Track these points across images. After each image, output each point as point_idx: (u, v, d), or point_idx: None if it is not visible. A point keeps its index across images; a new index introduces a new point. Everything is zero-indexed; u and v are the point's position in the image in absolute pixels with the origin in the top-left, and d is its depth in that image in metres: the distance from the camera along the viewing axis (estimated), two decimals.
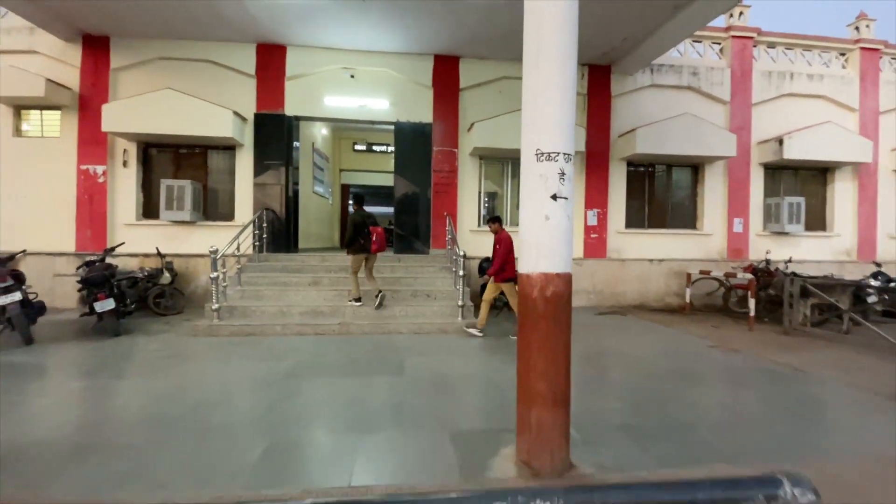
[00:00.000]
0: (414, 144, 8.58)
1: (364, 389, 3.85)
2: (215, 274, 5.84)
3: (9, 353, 4.77)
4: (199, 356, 4.84)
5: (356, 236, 6.29)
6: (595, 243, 9.04)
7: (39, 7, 6.84)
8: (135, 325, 6.30)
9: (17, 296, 4.96)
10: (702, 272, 8.34)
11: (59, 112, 7.92)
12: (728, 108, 9.62)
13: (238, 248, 6.82)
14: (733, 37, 9.65)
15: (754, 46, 9.80)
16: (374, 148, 14.37)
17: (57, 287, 7.63)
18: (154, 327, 6.27)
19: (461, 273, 6.31)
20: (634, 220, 9.43)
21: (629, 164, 9.33)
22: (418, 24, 7.42)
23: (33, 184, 7.82)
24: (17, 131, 7.96)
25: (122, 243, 7.46)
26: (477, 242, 8.63)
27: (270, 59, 8.19)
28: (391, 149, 14.32)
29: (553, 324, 2.50)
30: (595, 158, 9.01)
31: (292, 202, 8.42)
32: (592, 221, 9.06)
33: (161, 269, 7.39)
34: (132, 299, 6.66)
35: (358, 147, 14.30)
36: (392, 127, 8.85)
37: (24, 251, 6.60)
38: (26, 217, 7.80)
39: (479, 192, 8.96)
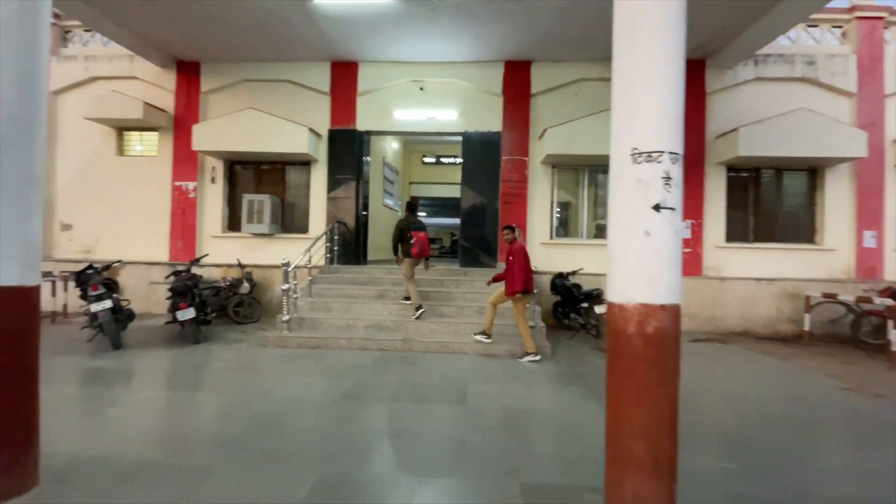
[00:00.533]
0: (482, 154, 8.26)
1: (424, 420, 3.52)
2: (287, 286, 5.92)
3: (96, 358, 5.15)
4: (266, 370, 4.85)
5: (398, 241, 6.36)
6: (689, 259, 8.00)
7: (139, 37, 7.60)
8: (214, 333, 6.60)
9: (108, 303, 5.36)
10: (825, 295, 6.99)
11: (156, 133, 8.75)
12: (854, 101, 8.10)
13: (310, 260, 6.93)
14: (859, 18, 8.16)
15: (885, 28, 8.21)
16: (443, 160, 14.33)
17: (152, 294, 8.32)
18: (230, 336, 6.51)
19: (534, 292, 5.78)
20: (736, 232, 8.23)
21: (729, 168, 8.19)
22: (488, 30, 7.13)
23: (134, 199, 8.67)
24: (120, 151, 8.90)
25: (206, 255, 7.96)
26: (549, 256, 8.04)
27: (343, 76, 8.38)
28: (459, 160, 14.25)
29: (655, 369, 1.97)
30: (688, 163, 7.91)
31: (363, 215, 8.48)
32: (685, 234, 8.02)
33: (241, 280, 7.75)
34: (213, 308, 7.01)
35: (427, 160, 14.36)
36: (460, 138, 8.63)
37: (119, 261, 7.27)
38: (127, 229, 8.65)
39: (552, 203, 8.37)
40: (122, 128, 8.81)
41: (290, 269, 5.99)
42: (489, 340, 5.68)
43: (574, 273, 7.30)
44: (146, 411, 3.62)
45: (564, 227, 8.59)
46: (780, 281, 7.91)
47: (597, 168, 8.41)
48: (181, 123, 8.57)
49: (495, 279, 5.87)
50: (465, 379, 4.59)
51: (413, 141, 13.81)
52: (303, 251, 6.95)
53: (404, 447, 3.04)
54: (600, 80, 8.17)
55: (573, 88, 8.24)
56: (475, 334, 5.76)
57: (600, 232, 8.48)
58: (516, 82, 8.20)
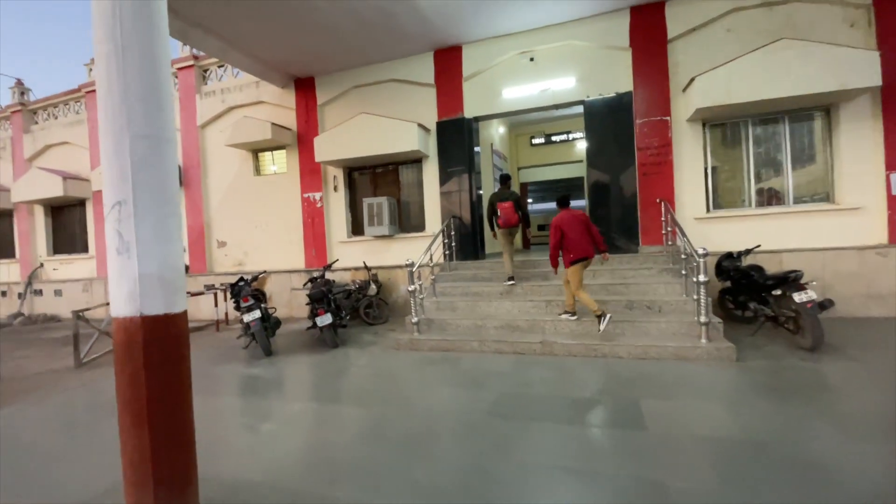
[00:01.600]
0: (610, 122, 7.14)
1: (597, 452, 2.84)
2: (413, 287, 5.70)
3: (251, 365, 5.47)
4: (402, 377, 4.63)
5: (491, 215, 6.65)
6: None
7: (260, 61, 8.10)
8: (349, 336, 6.73)
9: (257, 313, 5.70)
10: None
11: (284, 151, 9.37)
12: None
13: (431, 259, 6.67)
14: None
15: None
16: (553, 139, 13.18)
17: (293, 300, 8.96)
18: (364, 338, 6.56)
19: (702, 278, 4.65)
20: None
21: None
22: None
23: (271, 213, 9.42)
24: (257, 171, 9.73)
25: (337, 260, 8.26)
26: (707, 233, 6.64)
27: (447, 63, 7.97)
28: (573, 136, 12.97)
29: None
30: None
31: (476, 208, 8.01)
32: None
33: (368, 282, 7.87)
34: (347, 311, 7.19)
35: (535, 141, 13.35)
36: (580, 108, 7.61)
37: (265, 272, 7.90)
38: (268, 242, 9.44)
39: (706, 168, 6.89)
40: (256, 150, 9.64)
41: (414, 269, 5.75)
42: (574, 318, 5.43)
43: (749, 252, 5.85)
44: (297, 428, 3.56)
45: (723, 196, 7.03)
46: None
47: (762, 118, 6.69)
48: (303, 138, 9.04)
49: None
50: (629, 392, 3.77)
51: (519, 123, 12.94)
52: (421, 249, 6.71)
53: (583, 492, 2.40)
54: (762, 5, 6.46)
55: (724, 23, 6.64)
56: (559, 313, 5.59)
57: (762, 197, 6.77)
58: (647, 29, 6.89)
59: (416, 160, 8.45)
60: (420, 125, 7.80)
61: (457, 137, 7.91)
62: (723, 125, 6.90)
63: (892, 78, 5.64)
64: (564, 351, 4.99)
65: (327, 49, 7.78)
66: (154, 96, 2.08)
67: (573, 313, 5.45)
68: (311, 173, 9.00)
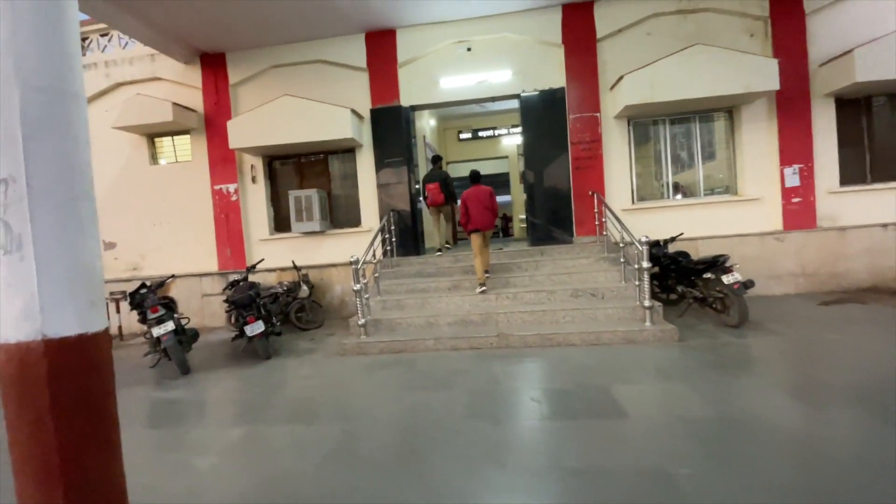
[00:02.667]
0: (545, 116, 7.28)
1: (594, 444, 2.74)
2: (358, 286, 5.23)
3: (166, 387, 4.61)
4: (358, 385, 4.19)
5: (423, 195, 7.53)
6: (799, 210, 6.89)
7: (159, 30, 6.90)
8: (281, 343, 6.02)
9: (170, 325, 4.82)
10: None
11: (188, 136, 8.16)
12: None
13: (374, 255, 6.22)
14: None
15: None
16: (480, 134, 13.32)
17: (206, 307, 7.86)
18: (300, 345, 5.92)
19: (645, 265, 4.89)
20: (851, 174, 7.02)
21: (838, 100, 6.94)
22: None
23: (174, 209, 8.16)
24: (154, 159, 8.37)
25: (262, 260, 7.39)
26: (631, 224, 6.98)
27: (381, 47, 7.51)
28: (499, 132, 13.22)
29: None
30: (790, 98, 6.83)
31: (417, 201, 7.69)
32: (792, 182, 6.91)
33: (299, 283, 7.15)
34: (277, 316, 6.45)
35: (463, 136, 13.37)
36: (516, 102, 7.67)
37: (172, 276, 6.72)
38: (172, 241, 8.17)
39: (631, 163, 7.35)
40: (152, 134, 8.26)
41: (359, 266, 5.29)
42: (483, 289, 5.84)
43: (673, 240, 6.33)
44: (246, 459, 2.98)
45: (645, 189, 7.58)
46: None
47: (676, 118, 7.32)
48: (213, 122, 7.93)
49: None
50: (596, 380, 3.79)
51: (448, 117, 12.87)
52: (357, 245, 6.26)
53: (604, 492, 2.27)
54: (677, 13, 7.03)
55: (645, 27, 7.11)
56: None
57: (676, 190, 7.45)
58: (578, 27, 7.13)
59: (348, 149, 7.87)
60: (353, 111, 7.25)
61: (394, 126, 7.50)
62: (644, 123, 7.42)
63: (786, 84, 6.47)
64: (521, 342, 4.93)
65: (242, 21, 6.86)
66: (55, 33, 1.48)
67: (482, 284, 5.86)
68: (223, 162, 7.93)
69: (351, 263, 5.26)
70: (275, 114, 7.22)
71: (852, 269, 6.79)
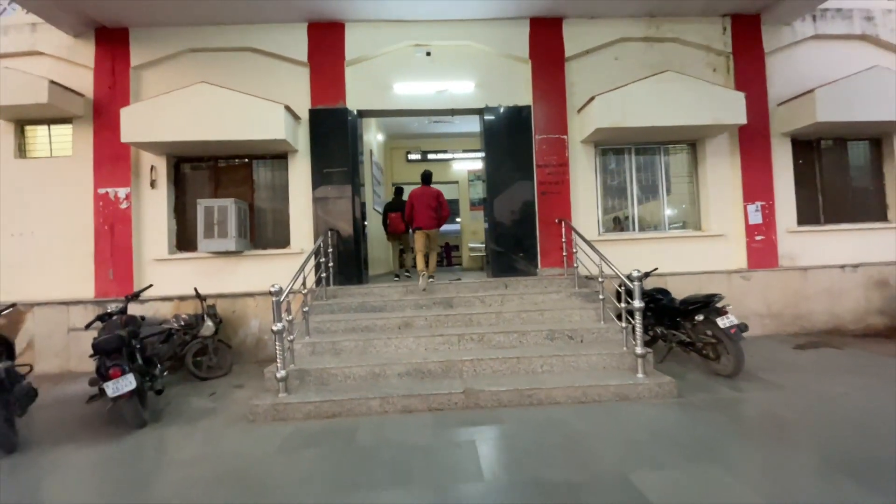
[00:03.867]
0: (509, 135, 6.58)
1: None
2: (279, 325, 3.90)
3: None
4: (269, 477, 2.85)
5: (385, 224, 8.02)
6: (762, 248, 6.68)
7: None
8: (168, 401, 4.44)
9: None
10: None
11: (69, 125, 6.42)
12: None
13: (304, 284, 4.89)
14: None
15: None
16: (430, 157, 12.53)
17: (73, 345, 5.95)
18: (194, 404, 4.38)
19: (636, 304, 4.12)
20: (807, 214, 7.02)
21: (794, 140, 6.99)
22: None
23: (40, 215, 6.28)
24: (21, 152, 6.49)
25: (150, 286, 5.73)
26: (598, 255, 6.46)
27: (326, 40, 6.45)
28: (452, 155, 12.52)
29: None
30: (751, 135, 6.74)
31: (360, 220, 6.52)
32: (755, 219, 6.72)
33: (201, 316, 5.57)
34: (164, 363, 4.85)
35: (412, 156, 12.50)
36: (476, 120, 6.95)
37: (13, 305, 4.76)
38: (37, 258, 6.24)
39: (597, 192, 6.81)
40: (21, 120, 6.42)
41: (281, 299, 3.99)
42: (432, 280, 6.07)
43: (648, 275, 5.71)
44: None
45: (609, 220, 7.07)
46: (864, 266, 6.75)
47: (642, 148, 6.98)
48: (104, 110, 6.30)
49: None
50: (606, 461, 2.82)
51: (396, 135, 11.97)
52: (283, 271, 4.99)
53: None
54: (644, 40, 6.78)
55: (613, 51, 6.77)
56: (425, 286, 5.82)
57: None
58: (546, 44, 6.61)
59: (279, 155, 6.58)
60: (288, 109, 6.04)
61: (337, 131, 6.38)
62: (610, 150, 6.98)
63: (748, 120, 6.31)
64: (493, 400, 3.87)
65: None
66: None
67: (431, 276, 6.15)
68: (113, 160, 6.27)
69: (272, 294, 3.95)
70: (187, 103, 5.80)
71: (814, 310, 6.63)
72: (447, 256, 23.93)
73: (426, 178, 6.46)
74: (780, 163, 6.88)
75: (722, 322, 4.33)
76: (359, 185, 6.50)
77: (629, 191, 7.00)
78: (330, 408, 3.80)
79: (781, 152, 6.91)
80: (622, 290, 4.69)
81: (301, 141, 6.45)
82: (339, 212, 6.34)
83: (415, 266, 6.72)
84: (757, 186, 6.74)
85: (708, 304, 4.52)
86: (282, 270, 5.73)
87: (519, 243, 6.50)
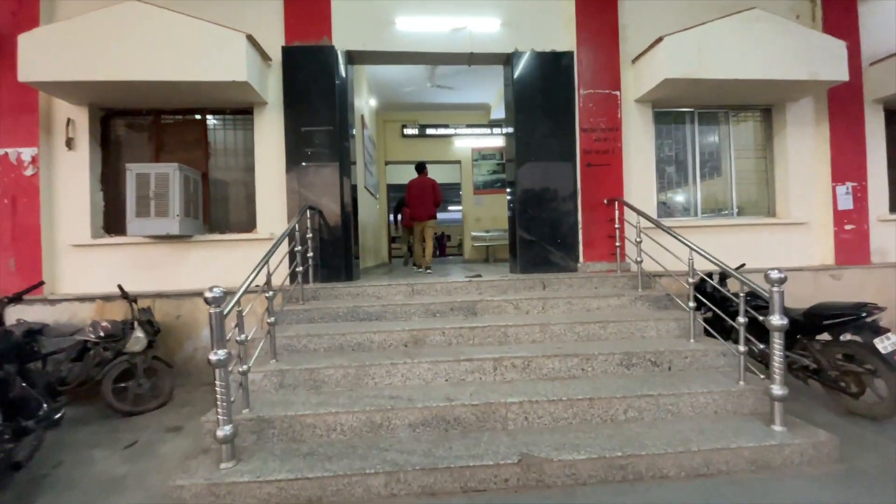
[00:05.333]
0: (544, 89, 5.10)
1: None
2: (221, 354, 2.38)
3: None
4: None
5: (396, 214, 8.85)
6: (852, 240, 5.39)
7: None
8: (58, 459, 2.91)
9: None
10: None
11: None
12: None
13: (268, 282, 3.36)
14: None
15: None
16: (429, 131, 10.94)
17: None
18: (95, 469, 2.85)
19: (776, 320, 2.73)
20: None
21: (888, 108, 5.66)
22: None
23: None
24: None
25: (40, 284, 4.13)
26: (651, 248, 5.03)
27: None
28: (454, 130, 10.96)
29: None
30: (843, 99, 5.39)
31: (350, 196, 4.98)
32: (845, 204, 5.41)
33: (130, 324, 4.01)
34: (64, 395, 3.30)
35: (408, 131, 10.88)
36: (499, 68, 5.46)
37: None
38: None
39: (654, 165, 5.39)
40: None
41: (228, 308, 2.47)
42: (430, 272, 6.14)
43: (723, 275, 4.32)
44: None
45: (668, 200, 5.69)
46: None
47: (707, 112, 5.59)
48: (4, 42, 4.59)
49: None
50: None
51: (390, 104, 10.37)
52: (249, 262, 3.36)
53: None
54: None
55: None
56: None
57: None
58: None
59: (243, 109, 4.98)
60: (251, 40, 4.43)
61: (320, 77, 4.80)
62: (669, 114, 5.56)
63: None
64: (567, 475, 2.44)
65: None
66: None
67: (428, 268, 6.29)
68: (13, 110, 4.59)
69: (209, 304, 2.42)
70: (112, 29, 4.16)
71: None
72: (440, 247, 22.39)
73: (421, 168, 6.82)
74: (872, 136, 5.55)
75: (882, 345, 2.98)
76: (348, 149, 4.94)
77: (690, 166, 5.60)
78: (303, 492, 2.31)
79: (873, 122, 5.58)
80: (709, 294, 3.32)
81: (272, 90, 4.86)
82: (323, 185, 4.78)
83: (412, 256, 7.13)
84: (848, 164, 5.41)
85: (857, 318, 3.14)
86: (245, 262, 4.12)
87: (555, 230, 5.06)
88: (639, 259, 4.38)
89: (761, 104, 5.58)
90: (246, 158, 5.07)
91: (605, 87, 5.12)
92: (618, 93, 5.13)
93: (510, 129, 5.26)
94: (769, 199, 5.73)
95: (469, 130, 10.93)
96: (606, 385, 3.04)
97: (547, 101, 5.08)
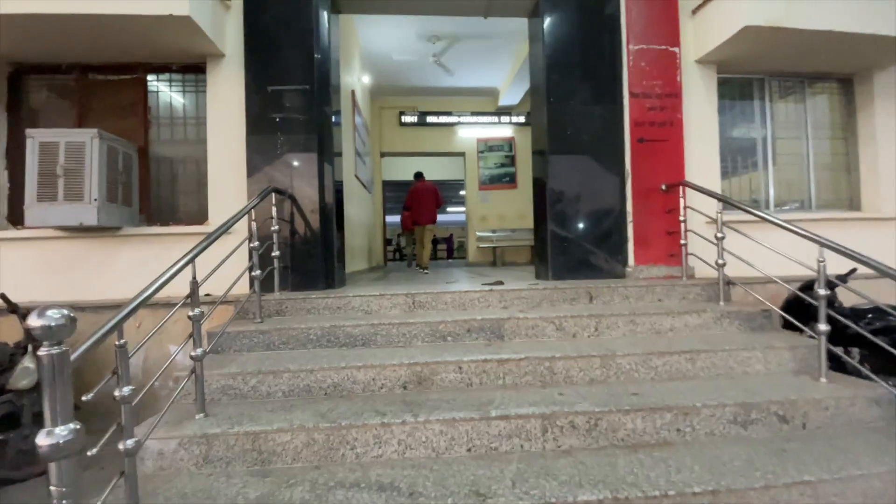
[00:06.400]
0: (583, 43, 3.99)
1: None
2: (59, 435, 1.23)
3: None
4: None
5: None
6: None
7: None
8: None
9: None
10: None
11: None
12: None
13: (194, 293, 2.19)
14: None
15: None
16: (430, 119, 9.84)
17: None
18: None
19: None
20: None
21: None
22: None
23: None
24: None
25: None
26: (712, 248, 3.91)
27: None
28: (463, 118, 9.86)
29: None
30: None
31: (332, 181, 3.82)
32: None
33: (23, 349, 2.85)
34: None
35: (406, 118, 9.78)
36: (523, 21, 4.35)
37: None
38: None
39: (719, 142, 4.29)
40: None
41: (63, 354, 1.33)
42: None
43: (844, 279, 3.21)
44: None
45: (731, 188, 4.58)
46: None
47: (782, 80, 4.50)
48: None
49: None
50: None
51: (386, 87, 9.24)
52: (200, 266, 2.23)
53: None
54: None
55: None
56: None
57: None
58: None
59: (194, 65, 3.83)
60: None
61: (293, 22, 3.66)
62: (731, 83, 4.47)
63: None
64: None
65: None
66: None
67: (425, 268, 6.73)
68: None
69: (36, 338, 1.31)
70: None
71: None
72: (448, 249, 21.26)
73: (419, 175, 7.16)
74: None
75: None
76: (329, 117, 3.79)
77: (760, 148, 4.50)
78: None
79: None
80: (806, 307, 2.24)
81: (231, 39, 3.72)
82: (297, 162, 3.64)
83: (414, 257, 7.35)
84: None
85: None
86: (196, 264, 3.01)
87: (597, 224, 3.93)
88: (720, 261, 3.25)
89: (842, 73, 4.50)
90: (200, 130, 3.92)
91: (660, 41, 4.01)
92: (676, 49, 4.02)
93: (539, 95, 4.13)
94: (851, 189, 4.64)
95: (475, 119, 9.91)
96: (722, 459, 1.91)
97: (586, 59, 3.97)
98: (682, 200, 3.69)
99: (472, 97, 9.77)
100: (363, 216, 7.67)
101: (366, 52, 7.45)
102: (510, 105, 9.59)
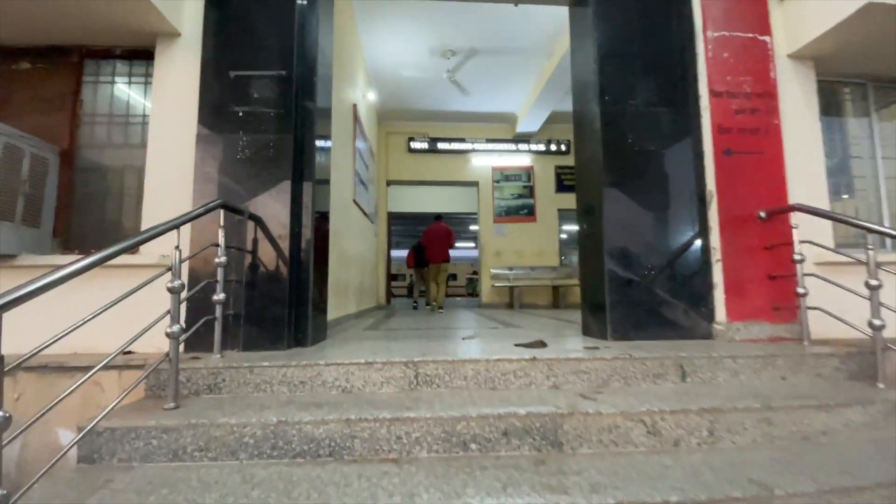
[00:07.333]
0: (645, 29, 3.08)
1: None
2: None
3: None
4: None
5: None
6: None
7: None
8: None
9: None
10: None
11: None
12: None
13: None
14: None
15: None
16: (441, 146, 9.05)
17: None
18: None
19: None
20: None
21: None
22: None
23: None
24: None
25: None
26: (821, 296, 2.74)
27: None
28: (477, 145, 9.07)
29: None
30: None
31: (312, 198, 2.82)
32: None
33: None
34: None
35: (416, 145, 9.01)
36: (565, 8, 3.50)
37: None
38: None
39: (823, 153, 3.28)
40: None
41: None
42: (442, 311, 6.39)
43: None
44: None
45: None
46: None
47: (886, 85, 3.54)
48: None
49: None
50: None
51: (394, 112, 8.52)
52: (129, 310, 1.28)
53: None
54: None
55: None
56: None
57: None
58: None
59: (142, 49, 2.97)
60: None
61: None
62: (829, 84, 3.51)
63: None
64: None
65: None
66: None
67: (440, 308, 6.62)
68: None
69: None
70: None
71: None
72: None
73: (438, 216, 7.10)
74: None
75: None
76: (311, 114, 2.85)
77: (868, 166, 3.49)
78: None
79: None
80: None
81: (189, 16, 2.86)
82: (260, 171, 2.67)
83: (422, 295, 7.83)
84: None
85: None
86: (124, 304, 1.94)
87: (671, 264, 2.87)
88: (877, 322, 2.15)
89: None
90: (147, 132, 3.01)
91: (746, 28, 3.10)
92: (767, 38, 3.10)
93: (587, 95, 3.18)
94: None
95: (490, 146, 9.11)
96: None
97: (648, 50, 3.05)
98: (794, 232, 2.64)
99: (487, 123, 9.02)
100: (363, 249, 6.70)
101: (371, 66, 6.74)
102: (529, 132, 8.81)
